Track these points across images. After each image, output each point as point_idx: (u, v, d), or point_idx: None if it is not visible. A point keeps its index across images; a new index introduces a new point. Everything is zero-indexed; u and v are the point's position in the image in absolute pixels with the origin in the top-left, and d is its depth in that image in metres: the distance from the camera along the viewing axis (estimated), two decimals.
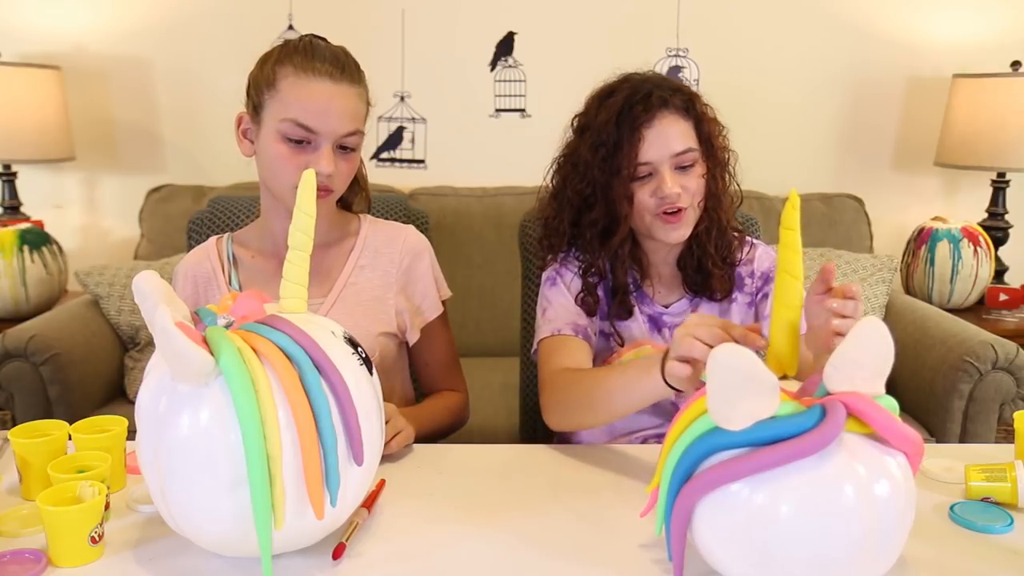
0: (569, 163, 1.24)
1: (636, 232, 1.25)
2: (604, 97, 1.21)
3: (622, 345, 1.25)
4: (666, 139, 1.17)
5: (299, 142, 1.12)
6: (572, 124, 1.25)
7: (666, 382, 0.96)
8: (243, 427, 0.72)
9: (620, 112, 1.18)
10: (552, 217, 1.27)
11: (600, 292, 1.27)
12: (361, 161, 1.33)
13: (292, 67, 1.12)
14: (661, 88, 1.19)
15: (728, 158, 1.25)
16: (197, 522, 0.78)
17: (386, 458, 1.06)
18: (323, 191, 1.13)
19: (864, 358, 0.75)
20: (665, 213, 1.17)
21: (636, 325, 1.27)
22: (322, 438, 0.76)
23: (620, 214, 1.19)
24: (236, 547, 0.79)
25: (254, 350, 0.76)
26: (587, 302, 1.25)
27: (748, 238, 1.31)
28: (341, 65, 1.14)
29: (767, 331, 0.87)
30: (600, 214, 1.21)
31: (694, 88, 1.25)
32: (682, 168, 1.18)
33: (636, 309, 1.27)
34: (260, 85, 1.15)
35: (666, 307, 1.28)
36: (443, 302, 1.32)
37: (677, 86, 1.21)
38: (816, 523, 0.69)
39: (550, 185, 1.28)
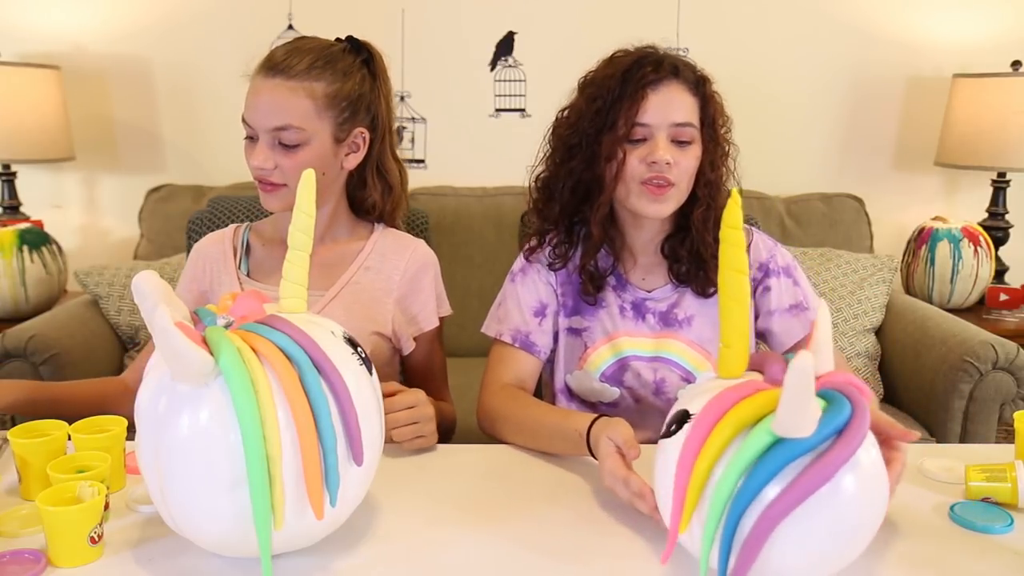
0: (564, 116, 1.22)
1: (616, 207, 1.22)
2: (614, 58, 1.19)
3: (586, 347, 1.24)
4: (669, 105, 1.14)
5: (251, 139, 1.17)
6: (578, 83, 1.22)
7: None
8: (243, 427, 0.72)
9: (628, 69, 1.15)
10: (548, 176, 1.24)
11: (570, 285, 1.25)
12: (402, 176, 1.32)
13: (255, 69, 1.18)
14: (675, 60, 1.18)
15: (728, 150, 1.22)
16: (197, 522, 0.78)
17: (386, 458, 1.06)
18: (267, 185, 1.17)
19: (826, 338, 0.79)
20: (651, 183, 1.14)
21: (607, 315, 1.24)
22: (322, 438, 0.76)
23: (604, 174, 1.16)
24: (236, 547, 0.79)
25: (254, 350, 0.76)
26: (559, 253, 1.24)
27: (745, 225, 1.27)
28: (280, 61, 1.15)
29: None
30: (579, 165, 1.18)
31: None
32: (679, 143, 1.15)
33: (611, 295, 1.24)
34: None
35: (649, 292, 1.25)
36: (441, 319, 1.32)
37: (691, 64, 1.19)
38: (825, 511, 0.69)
39: (548, 146, 1.25)
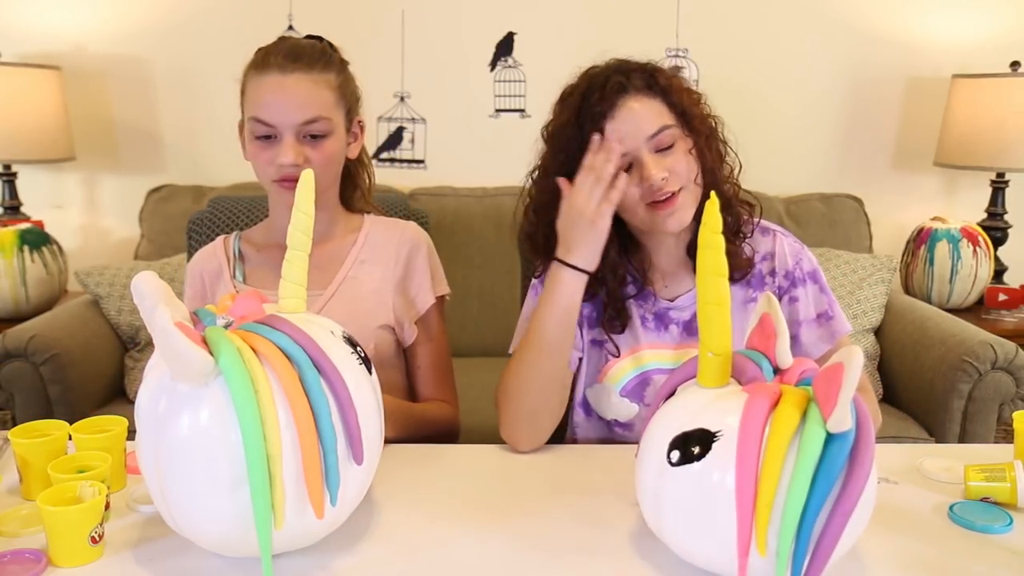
0: (535, 177, 1.19)
1: (633, 230, 1.18)
2: (565, 98, 1.15)
3: (617, 355, 1.19)
4: (634, 123, 1.08)
5: (266, 137, 1.16)
6: (542, 134, 1.19)
7: (574, 267, 1.08)
8: (243, 427, 0.72)
9: (579, 110, 1.11)
10: (531, 231, 1.20)
11: (590, 303, 1.20)
12: (366, 161, 1.34)
13: (253, 69, 1.17)
14: (618, 73, 1.10)
15: (715, 125, 1.16)
16: (197, 522, 0.78)
17: (386, 458, 1.06)
18: (293, 182, 1.13)
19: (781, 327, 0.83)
20: (656, 202, 1.09)
21: (630, 331, 1.20)
22: (322, 438, 0.76)
23: None
24: (236, 547, 0.79)
25: (253, 350, 0.76)
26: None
27: (771, 227, 1.22)
28: (294, 56, 1.16)
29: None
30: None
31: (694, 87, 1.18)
32: (663, 150, 1.09)
33: (633, 307, 1.20)
34: (241, 93, 1.21)
35: (672, 300, 1.20)
36: (442, 299, 1.31)
37: (635, 66, 1.12)
38: None
39: (528, 197, 1.20)
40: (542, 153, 1.18)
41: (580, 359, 1.22)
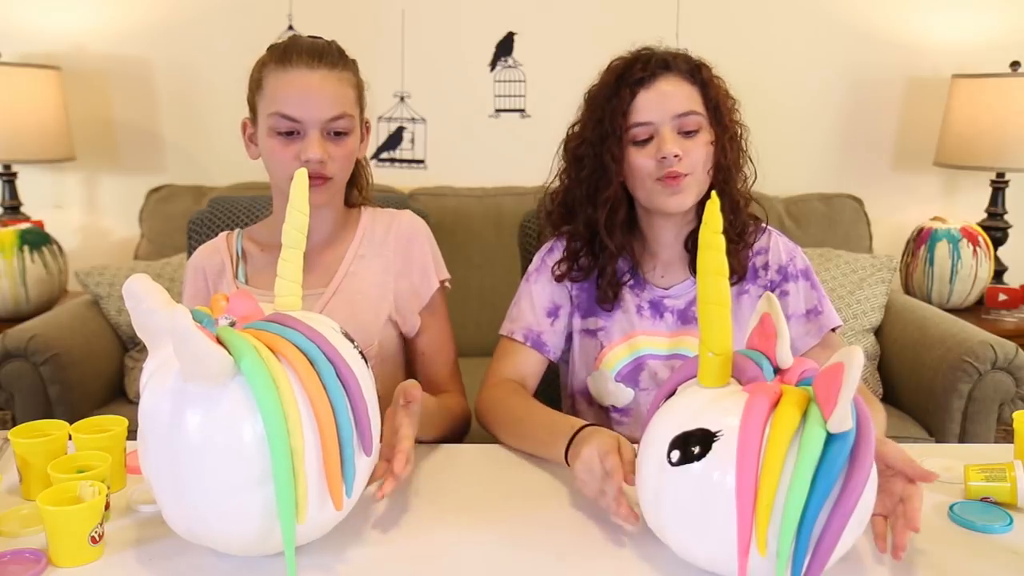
0: (572, 131, 1.23)
1: (640, 208, 1.22)
2: (611, 65, 1.20)
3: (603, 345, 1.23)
4: (667, 99, 1.14)
5: (289, 134, 1.14)
6: (584, 98, 1.23)
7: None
8: (268, 424, 0.72)
9: (621, 75, 1.16)
10: (557, 190, 1.25)
11: (584, 287, 1.24)
12: (365, 162, 1.33)
13: (272, 64, 1.16)
14: (667, 54, 1.17)
15: (740, 132, 1.21)
16: (216, 524, 0.77)
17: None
18: (318, 179, 1.14)
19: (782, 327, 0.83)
20: (665, 178, 1.13)
21: (623, 315, 1.23)
22: (339, 431, 0.76)
23: (613, 177, 1.16)
24: (255, 546, 0.79)
25: (269, 348, 0.76)
26: (567, 269, 1.23)
27: (764, 225, 1.26)
28: (318, 53, 1.16)
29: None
30: (590, 170, 1.18)
31: None
32: (686, 133, 1.14)
33: (628, 295, 1.23)
34: (251, 89, 1.19)
35: (667, 289, 1.24)
36: (443, 285, 1.30)
37: (685, 55, 1.19)
38: None
39: (561, 162, 1.25)
40: (578, 116, 1.23)
41: (567, 351, 1.27)
